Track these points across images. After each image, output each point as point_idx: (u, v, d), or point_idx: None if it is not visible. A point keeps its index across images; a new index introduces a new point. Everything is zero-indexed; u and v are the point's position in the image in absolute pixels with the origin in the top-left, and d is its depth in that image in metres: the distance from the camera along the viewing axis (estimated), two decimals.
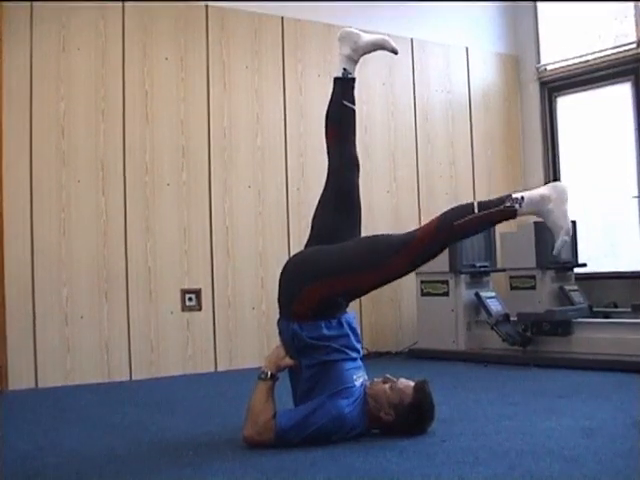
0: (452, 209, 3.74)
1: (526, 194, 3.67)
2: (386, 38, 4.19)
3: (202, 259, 6.71)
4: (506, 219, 3.71)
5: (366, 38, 4.14)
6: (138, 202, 6.46)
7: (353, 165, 4.09)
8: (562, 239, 3.65)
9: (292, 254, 4.15)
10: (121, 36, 6.48)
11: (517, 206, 3.63)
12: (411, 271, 3.80)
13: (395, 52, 4.23)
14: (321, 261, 3.79)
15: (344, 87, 4.13)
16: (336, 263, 3.75)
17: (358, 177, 4.10)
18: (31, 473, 3.23)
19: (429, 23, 8.11)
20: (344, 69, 4.14)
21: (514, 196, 3.65)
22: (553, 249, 3.71)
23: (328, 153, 4.16)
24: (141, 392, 5.74)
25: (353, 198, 4.05)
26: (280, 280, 3.93)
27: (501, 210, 3.65)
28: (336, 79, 4.17)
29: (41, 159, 6.10)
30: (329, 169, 4.12)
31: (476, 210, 3.64)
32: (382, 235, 3.89)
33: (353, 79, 4.14)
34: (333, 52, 7.38)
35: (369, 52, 4.20)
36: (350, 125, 4.11)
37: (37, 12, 6.13)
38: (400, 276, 3.82)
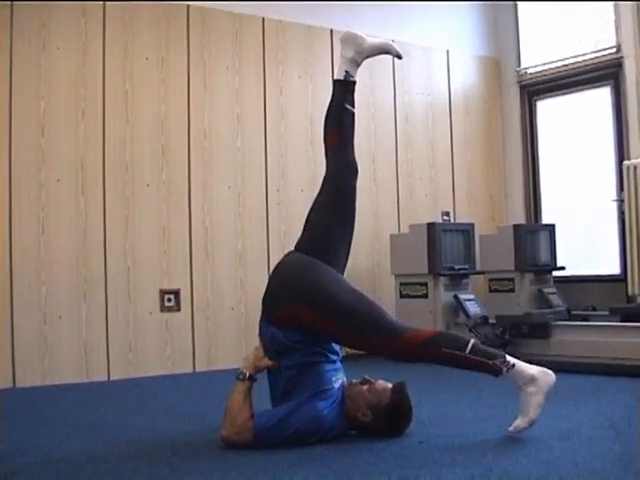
0: (448, 335, 3.81)
1: (518, 365, 3.66)
2: (390, 43, 4.18)
3: (181, 260, 6.70)
4: (487, 373, 3.69)
5: (370, 41, 4.11)
6: (117, 202, 6.44)
7: (352, 170, 4.06)
8: (522, 425, 3.62)
9: (280, 255, 4.11)
10: (102, 35, 6.46)
11: (504, 369, 3.63)
12: (377, 354, 3.87)
13: (399, 57, 4.23)
14: (313, 290, 3.76)
15: (345, 90, 4.08)
16: (325, 304, 3.72)
17: (356, 182, 4.08)
18: (8, 473, 3.21)
19: (410, 25, 8.11)
20: (346, 72, 4.08)
21: (507, 359, 3.66)
22: (511, 427, 3.65)
23: (326, 156, 4.13)
24: (119, 392, 5.73)
25: (350, 203, 4.03)
26: (269, 282, 3.92)
27: (488, 364, 3.64)
28: (337, 81, 4.11)
29: (20, 158, 6.08)
30: (327, 172, 4.09)
31: (467, 350, 3.63)
32: (376, 309, 3.81)
33: (354, 82, 4.10)
34: (314, 53, 7.43)
35: (372, 56, 4.17)
36: (350, 129, 4.08)
37: (17, 11, 6.10)
38: (365, 351, 4.02)
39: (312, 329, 3.73)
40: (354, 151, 4.10)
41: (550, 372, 3.73)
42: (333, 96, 4.11)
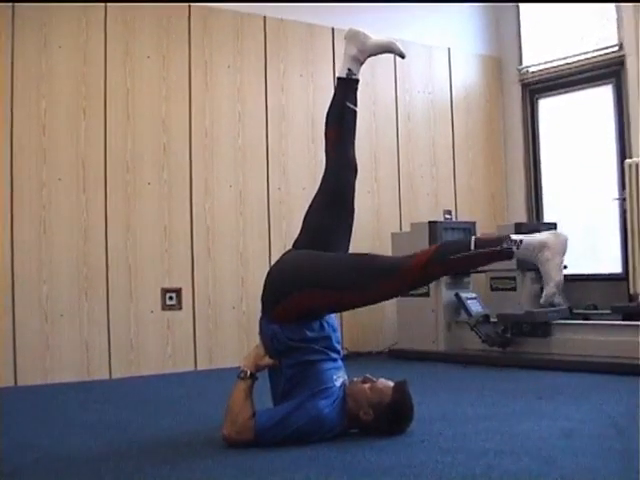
0: (449, 243, 3.74)
1: (525, 238, 3.57)
2: (394, 41, 4.13)
3: (183, 258, 6.70)
4: (501, 260, 3.65)
5: (374, 40, 4.08)
6: (119, 200, 6.44)
7: (351, 168, 4.05)
8: (552, 291, 3.57)
9: (281, 253, 4.10)
10: (103, 34, 6.46)
11: (514, 248, 3.54)
12: (395, 296, 3.77)
13: (402, 56, 4.19)
14: (312, 271, 3.76)
15: (347, 88, 4.06)
16: (325, 277, 3.71)
17: (355, 180, 4.06)
18: (9, 472, 3.22)
19: (412, 24, 8.10)
20: (349, 69, 4.05)
21: (513, 238, 3.57)
22: (542, 298, 3.63)
23: (326, 154, 4.12)
24: (120, 391, 5.73)
25: (348, 201, 4.02)
26: (267, 280, 3.92)
27: (498, 251, 3.57)
28: (340, 79, 4.10)
29: (22, 157, 6.08)
30: (326, 170, 4.09)
31: (472, 247, 3.57)
32: (374, 256, 3.85)
33: (357, 80, 4.08)
34: (316, 52, 7.43)
35: (376, 54, 4.14)
36: (351, 127, 4.06)
37: (19, 10, 6.10)
38: (383, 300, 3.84)
39: (319, 309, 3.75)
40: (354, 149, 4.08)
41: (559, 232, 3.64)
42: (335, 94, 4.10)
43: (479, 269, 7.22)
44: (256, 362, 3.76)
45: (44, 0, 6.19)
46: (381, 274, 3.65)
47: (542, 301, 3.65)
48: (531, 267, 7.25)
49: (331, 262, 3.79)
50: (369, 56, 4.12)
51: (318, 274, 3.73)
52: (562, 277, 3.57)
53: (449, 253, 3.60)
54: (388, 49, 4.15)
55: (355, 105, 4.06)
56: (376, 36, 4.12)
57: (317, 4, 7.47)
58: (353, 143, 4.08)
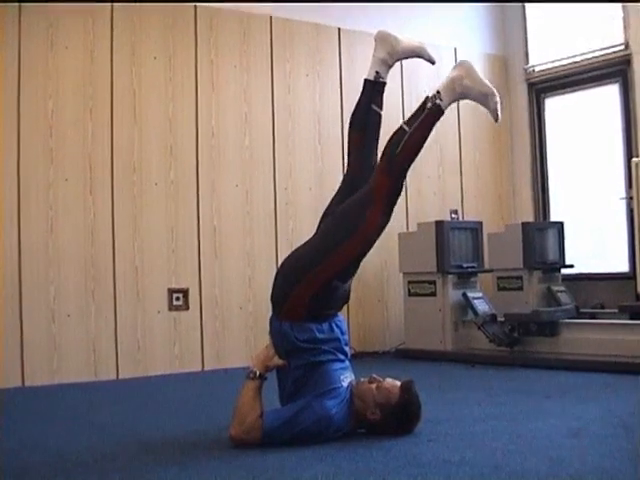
0: (388, 144, 3.77)
1: (439, 87, 3.78)
2: (424, 46, 4.10)
3: (189, 258, 6.70)
4: (438, 118, 3.78)
5: (404, 43, 4.06)
6: (126, 201, 6.44)
7: (369, 175, 4.01)
8: (494, 101, 3.74)
9: (288, 253, 4.12)
10: (109, 35, 6.47)
11: (438, 101, 3.74)
12: (387, 221, 3.79)
13: (432, 62, 4.12)
14: (303, 256, 3.83)
15: (374, 90, 4.06)
16: (317, 248, 3.78)
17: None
18: (17, 472, 3.22)
19: (418, 24, 8.08)
20: (377, 72, 4.04)
21: (430, 95, 3.77)
22: (496, 119, 3.79)
23: (349, 156, 4.12)
24: (128, 391, 5.73)
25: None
26: (276, 275, 3.92)
27: (428, 113, 3.75)
28: (367, 81, 4.08)
29: (28, 157, 6.09)
30: (347, 174, 4.10)
31: (407, 128, 3.75)
32: (344, 204, 3.87)
33: (384, 83, 4.07)
34: (322, 52, 7.44)
35: (404, 59, 4.14)
36: (375, 131, 4.08)
37: (25, 11, 6.11)
38: (379, 231, 3.82)
39: (332, 281, 3.75)
40: (377, 155, 4.04)
41: (460, 60, 3.89)
42: (361, 95, 4.09)
43: (485, 267, 7.26)
44: (265, 362, 3.76)
45: (50, 0, 6.20)
46: (361, 208, 3.75)
47: (497, 118, 3.81)
48: (538, 266, 7.29)
49: (314, 237, 3.90)
50: (398, 60, 4.10)
51: (313, 250, 3.81)
52: (491, 85, 3.77)
53: (395, 149, 3.74)
54: (418, 54, 4.11)
55: (380, 108, 4.06)
56: (407, 39, 4.09)
57: (323, 4, 7.48)
58: (376, 148, 4.06)
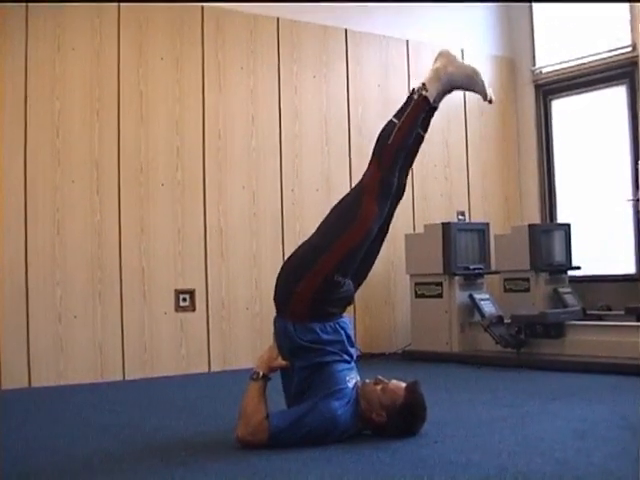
0: (379, 138, 3.87)
1: (425, 79, 3.90)
2: (485, 84, 3.95)
3: (196, 260, 6.71)
4: (425, 109, 3.87)
5: (458, 62, 3.97)
6: (132, 202, 6.45)
7: (398, 197, 4.02)
8: (480, 80, 3.87)
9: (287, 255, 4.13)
10: (116, 36, 6.48)
11: (424, 92, 3.85)
12: (381, 213, 3.82)
13: (489, 100, 3.97)
14: (303, 254, 3.86)
15: (426, 114, 3.98)
16: (317, 244, 3.81)
17: (396, 208, 4.05)
18: (24, 473, 3.22)
19: (425, 25, 8.10)
20: (435, 100, 3.93)
21: (416, 87, 3.88)
22: (486, 98, 3.89)
23: (377, 166, 4.10)
24: (134, 392, 5.74)
25: (383, 227, 4.00)
26: (278, 276, 3.93)
27: (415, 105, 3.85)
28: (424, 99, 3.91)
29: (36, 159, 6.10)
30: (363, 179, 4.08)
31: (396, 121, 3.83)
32: (339, 201, 3.93)
33: (435, 108, 4.00)
34: (329, 53, 7.45)
35: (460, 89, 4.06)
36: (414, 153, 4.05)
37: (32, 11, 6.12)
38: (377, 219, 3.85)
39: (334, 275, 3.75)
40: (407, 176, 4.05)
41: (439, 50, 4.03)
42: (415, 118, 3.95)
43: (492, 269, 7.26)
44: (269, 363, 3.76)
45: (57, 0, 6.21)
46: (357, 198, 3.83)
47: (487, 97, 3.89)
48: (545, 268, 7.28)
49: (312, 236, 3.91)
50: (452, 85, 3.99)
51: (313, 245, 3.84)
52: (472, 65, 3.91)
53: (385, 142, 3.83)
54: (474, 88, 3.99)
55: (425, 131, 4.04)
56: (468, 68, 3.98)
57: (330, 4, 7.47)
58: (410, 167, 4.05)
